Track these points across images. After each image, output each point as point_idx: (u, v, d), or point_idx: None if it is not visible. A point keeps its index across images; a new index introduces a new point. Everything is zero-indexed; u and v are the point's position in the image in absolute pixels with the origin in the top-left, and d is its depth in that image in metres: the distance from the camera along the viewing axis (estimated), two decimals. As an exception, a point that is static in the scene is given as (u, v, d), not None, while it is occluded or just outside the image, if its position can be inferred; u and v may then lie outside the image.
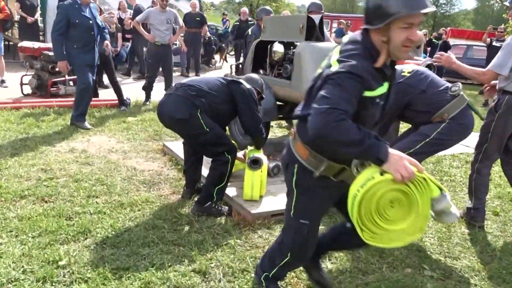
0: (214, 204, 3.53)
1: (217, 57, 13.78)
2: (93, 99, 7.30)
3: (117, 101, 7.24)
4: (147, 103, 7.67)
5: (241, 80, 3.65)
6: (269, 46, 5.24)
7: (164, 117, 3.52)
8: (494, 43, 9.81)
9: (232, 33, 11.63)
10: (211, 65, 12.81)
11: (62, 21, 5.48)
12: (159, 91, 7.57)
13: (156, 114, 3.64)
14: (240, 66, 5.49)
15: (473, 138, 3.74)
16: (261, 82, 3.89)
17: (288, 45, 5.15)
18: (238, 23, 11.59)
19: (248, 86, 3.60)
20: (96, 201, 3.63)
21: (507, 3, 3.88)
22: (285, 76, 4.96)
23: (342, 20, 14.42)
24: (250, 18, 11.84)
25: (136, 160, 4.74)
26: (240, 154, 3.86)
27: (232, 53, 14.47)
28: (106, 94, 7.99)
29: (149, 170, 4.44)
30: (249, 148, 3.90)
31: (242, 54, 9.45)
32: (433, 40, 12.62)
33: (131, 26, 9.65)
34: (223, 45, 14.39)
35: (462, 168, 5.34)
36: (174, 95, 3.49)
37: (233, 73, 5.56)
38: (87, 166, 4.43)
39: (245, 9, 11.81)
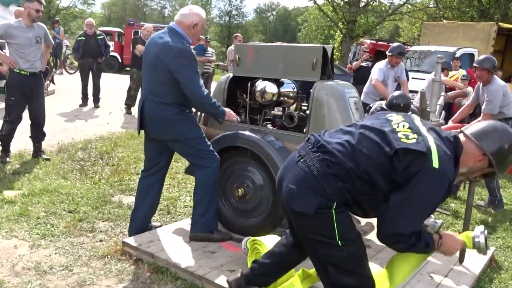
0: None
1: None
2: None
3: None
4: (7, 159, 5.24)
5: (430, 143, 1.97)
6: (249, 84, 3.91)
7: (282, 196, 2.13)
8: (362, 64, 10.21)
9: (77, 51, 9.23)
10: (44, 91, 10.02)
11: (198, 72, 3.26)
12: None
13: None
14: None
15: None
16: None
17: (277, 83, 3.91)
18: (83, 37, 9.28)
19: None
20: None
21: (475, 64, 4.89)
22: (288, 126, 3.73)
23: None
24: (98, 31, 9.65)
25: (105, 284, 2.87)
26: None
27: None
28: None
29: (147, 303, 2.70)
30: None
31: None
32: None
33: None
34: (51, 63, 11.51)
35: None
36: (298, 166, 2.07)
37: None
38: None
39: (91, 20, 9.54)
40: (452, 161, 1.98)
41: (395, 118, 2.12)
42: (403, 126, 2.05)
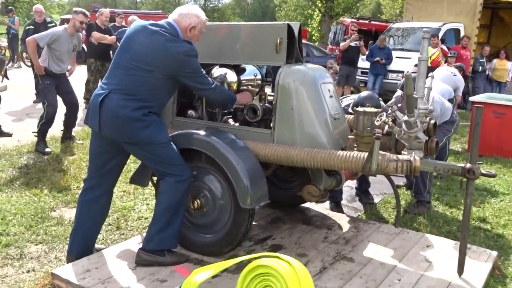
0: None
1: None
2: None
3: None
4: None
5: None
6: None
7: None
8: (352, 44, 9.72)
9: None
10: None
11: None
12: None
13: None
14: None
15: None
16: None
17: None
18: (32, 26, 8.44)
19: None
20: None
21: None
22: (252, 120, 3.10)
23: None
24: (49, 19, 8.80)
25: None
26: None
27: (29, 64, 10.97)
28: None
29: None
30: None
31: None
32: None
33: None
34: (1, 56, 10.57)
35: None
36: None
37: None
38: None
39: (39, 6, 8.67)
40: None
41: None
42: None
